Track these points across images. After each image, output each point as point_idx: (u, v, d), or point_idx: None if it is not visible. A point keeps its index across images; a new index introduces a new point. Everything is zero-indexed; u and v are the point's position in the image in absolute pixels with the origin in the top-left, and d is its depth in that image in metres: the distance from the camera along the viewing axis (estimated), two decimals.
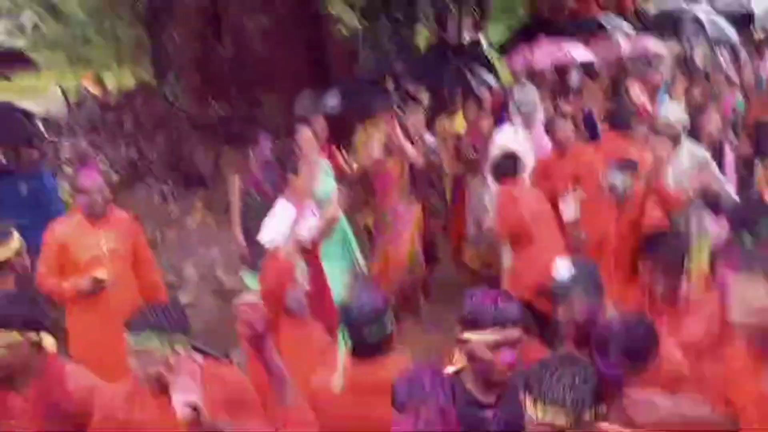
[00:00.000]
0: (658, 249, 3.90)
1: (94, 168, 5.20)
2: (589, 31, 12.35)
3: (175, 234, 9.15)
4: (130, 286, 5.13)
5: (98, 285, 4.89)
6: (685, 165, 6.19)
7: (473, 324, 2.76)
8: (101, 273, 4.88)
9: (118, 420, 3.00)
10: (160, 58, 13.17)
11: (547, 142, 6.89)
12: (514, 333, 2.69)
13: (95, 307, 4.92)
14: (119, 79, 13.62)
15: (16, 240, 4.04)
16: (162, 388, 2.92)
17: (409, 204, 7.38)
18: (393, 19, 10.44)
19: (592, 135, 7.85)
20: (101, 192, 5.04)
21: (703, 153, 6.40)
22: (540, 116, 7.00)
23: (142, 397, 3.01)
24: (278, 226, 5.92)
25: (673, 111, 6.63)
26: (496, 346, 2.67)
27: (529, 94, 6.84)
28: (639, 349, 2.98)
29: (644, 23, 14.14)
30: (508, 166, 6.02)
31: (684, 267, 3.82)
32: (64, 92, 12.61)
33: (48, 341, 3.22)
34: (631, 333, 3.01)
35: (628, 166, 4.92)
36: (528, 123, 6.77)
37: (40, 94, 13.26)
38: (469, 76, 10.39)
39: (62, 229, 5.07)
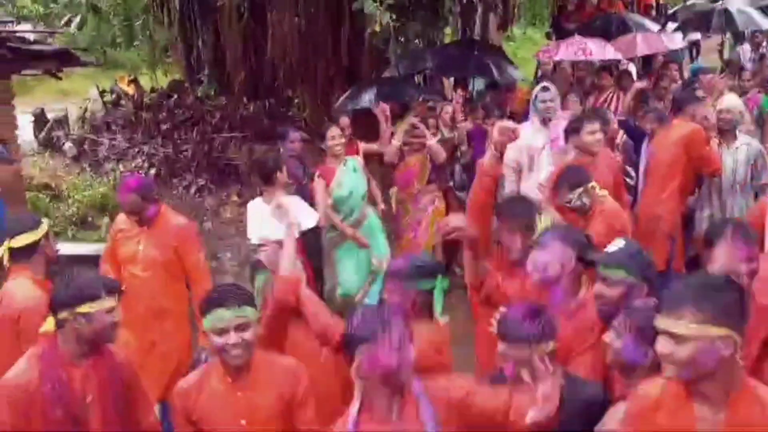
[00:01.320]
0: (509, 211, 4.30)
1: (127, 186, 5.25)
2: (613, 29, 12.57)
3: (212, 225, 9.49)
4: (157, 293, 5.24)
5: None
6: (742, 156, 6.60)
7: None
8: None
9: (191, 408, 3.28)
10: (193, 59, 13.56)
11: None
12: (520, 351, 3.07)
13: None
14: (153, 79, 13.99)
15: (44, 227, 4.39)
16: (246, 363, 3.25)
17: (430, 195, 7.70)
18: (421, 18, 10.71)
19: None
20: (131, 209, 5.21)
21: (758, 145, 6.77)
22: (559, 114, 7.14)
23: (210, 384, 3.30)
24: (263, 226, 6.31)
25: (729, 101, 6.89)
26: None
27: (548, 95, 7.00)
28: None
29: (670, 19, 14.28)
30: None
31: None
32: (101, 93, 12.98)
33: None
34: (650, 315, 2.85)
35: (579, 183, 5.06)
36: (546, 121, 6.93)
37: (80, 96, 13.64)
38: (495, 71, 10.52)
39: (118, 223, 5.44)
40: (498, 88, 10.54)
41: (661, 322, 2.45)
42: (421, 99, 8.68)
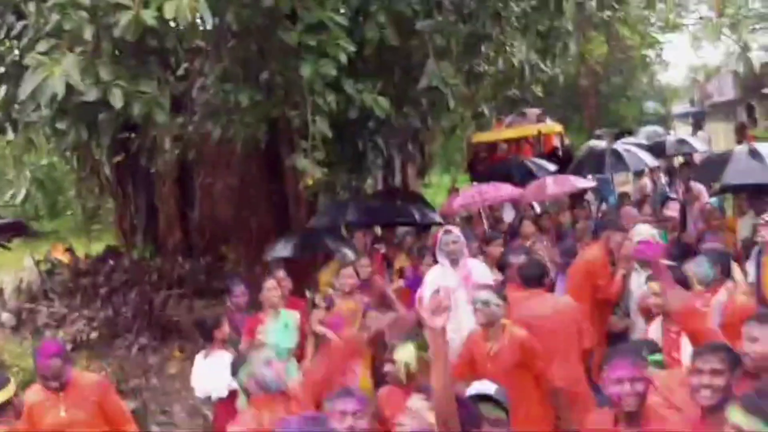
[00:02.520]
0: None
1: (48, 351, 5.34)
2: (519, 174, 13.62)
3: (158, 381, 9.65)
4: None
5: None
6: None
7: None
8: None
9: None
10: (126, 224, 13.96)
11: (479, 277, 7.35)
12: None
13: None
14: (88, 245, 14.27)
15: (12, 383, 4.66)
16: None
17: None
18: (347, 170, 11.44)
19: None
20: (54, 374, 5.26)
21: None
22: (465, 254, 7.46)
23: None
24: (207, 380, 6.72)
25: (642, 230, 7.47)
26: None
27: (450, 237, 7.45)
28: None
29: (569, 162, 15.40)
30: None
31: None
32: (36, 263, 13.16)
33: None
34: None
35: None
36: (454, 262, 7.36)
37: (15, 267, 13.76)
38: (418, 216, 11.23)
39: (30, 396, 5.38)
40: (421, 232, 11.24)
41: None
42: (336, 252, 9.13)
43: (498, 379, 4.34)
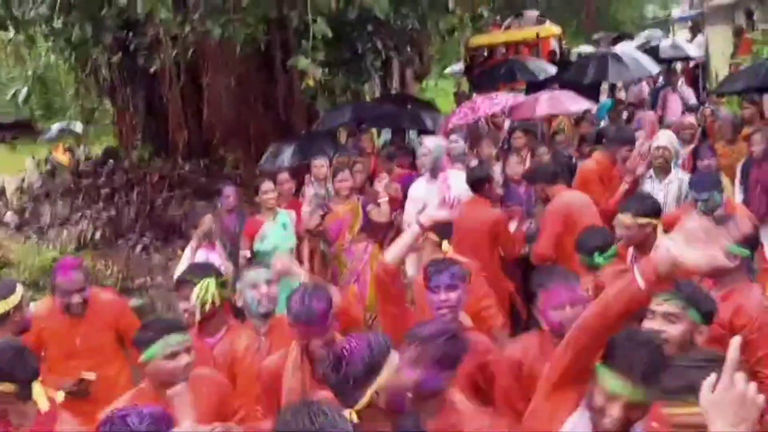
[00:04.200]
0: None
1: (73, 265, 4.90)
2: (522, 75, 13.55)
3: (163, 279, 9.88)
4: (114, 375, 4.97)
5: (84, 386, 4.77)
6: (674, 191, 6.72)
7: None
8: (89, 374, 4.76)
9: None
10: (125, 125, 13.99)
11: (457, 190, 7.25)
12: None
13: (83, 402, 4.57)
14: (88, 147, 14.36)
15: (17, 295, 4.38)
16: None
17: (362, 243, 7.58)
18: (345, 72, 11.45)
19: None
20: (79, 291, 4.85)
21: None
22: (443, 166, 7.38)
23: None
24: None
25: (664, 138, 7.05)
26: None
27: (422, 150, 7.38)
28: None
29: (567, 66, 15.26)
30: None
31: None
32: (38, 164, 13.29)
33: (37, 392, 3.38)
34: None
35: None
36: (434, 173, 7.30)
37: (16, 168, 13.89)
38: (429, 122, 11.16)
39: (42, 314, 4.97)
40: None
41: None
42: (337, 156, 9.05)
43: None
